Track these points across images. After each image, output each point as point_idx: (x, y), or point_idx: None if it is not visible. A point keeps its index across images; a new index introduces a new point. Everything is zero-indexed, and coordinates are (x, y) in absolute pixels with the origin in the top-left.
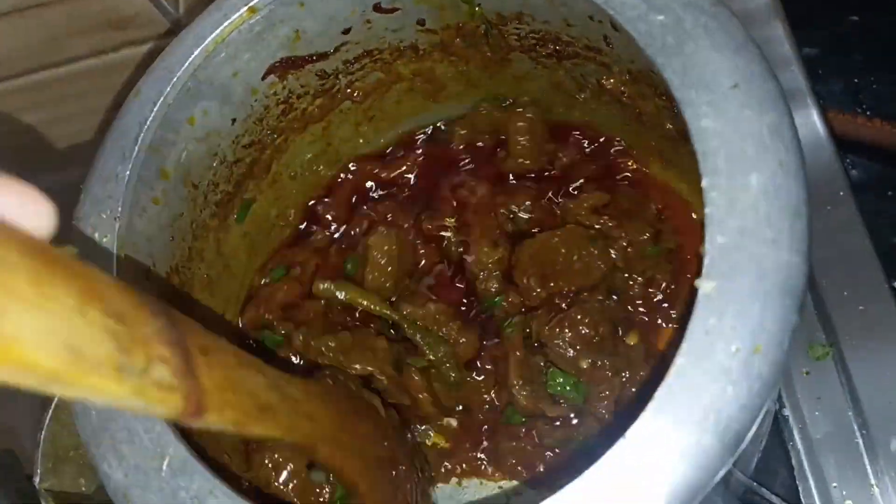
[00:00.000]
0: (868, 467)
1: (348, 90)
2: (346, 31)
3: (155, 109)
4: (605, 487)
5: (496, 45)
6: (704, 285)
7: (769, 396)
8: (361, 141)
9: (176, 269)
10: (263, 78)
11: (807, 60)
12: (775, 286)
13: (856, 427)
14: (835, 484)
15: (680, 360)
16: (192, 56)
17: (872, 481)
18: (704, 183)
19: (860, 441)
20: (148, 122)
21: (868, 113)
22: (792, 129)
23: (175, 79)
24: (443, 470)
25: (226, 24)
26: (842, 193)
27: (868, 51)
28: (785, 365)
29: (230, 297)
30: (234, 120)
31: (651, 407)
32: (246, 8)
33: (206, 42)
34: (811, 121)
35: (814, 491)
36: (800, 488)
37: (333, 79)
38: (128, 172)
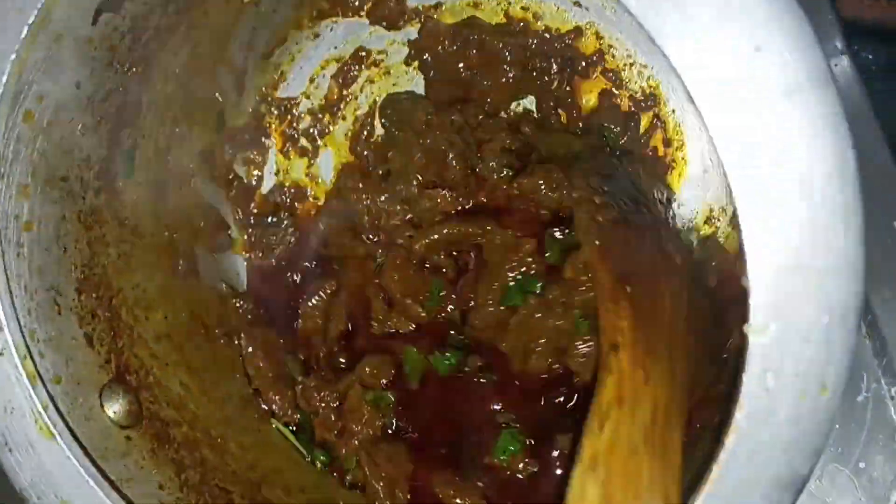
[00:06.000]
0: None
1: None
2: None
3: None
4: None
5: None
6: (758, 331)
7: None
8: None
9: (83, 278)
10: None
11: None
12: (836, 311)
13: None
14: None
15: (740, 426)
16: None
17: None
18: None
19: None
20: None
21: None
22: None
23: None
24: None
25: None
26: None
27: None
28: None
29: (157, 261)
30: (78, 84)
31: (708, 491)
32: None
33: None
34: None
35: None
36: None
37: None
38: None
